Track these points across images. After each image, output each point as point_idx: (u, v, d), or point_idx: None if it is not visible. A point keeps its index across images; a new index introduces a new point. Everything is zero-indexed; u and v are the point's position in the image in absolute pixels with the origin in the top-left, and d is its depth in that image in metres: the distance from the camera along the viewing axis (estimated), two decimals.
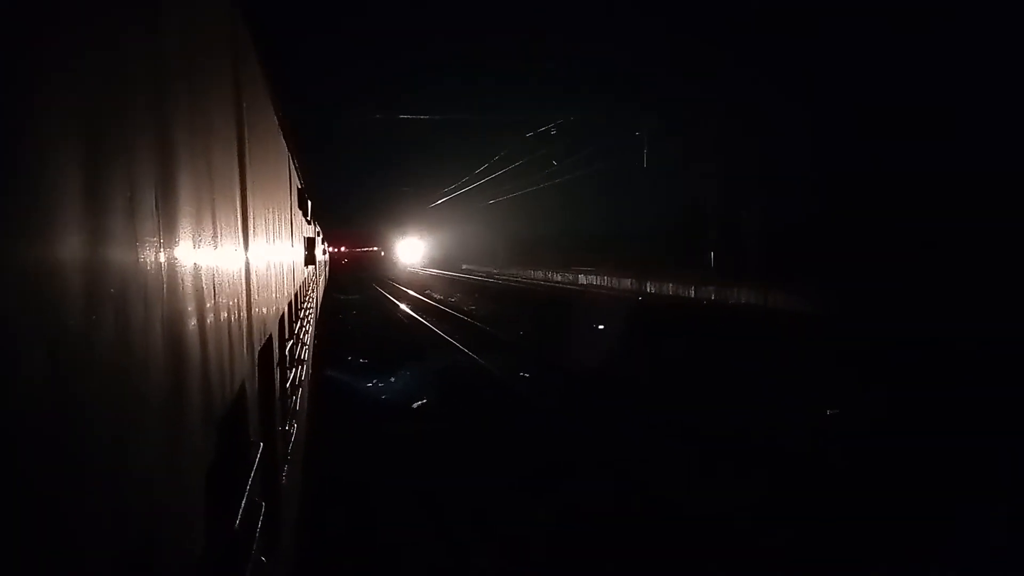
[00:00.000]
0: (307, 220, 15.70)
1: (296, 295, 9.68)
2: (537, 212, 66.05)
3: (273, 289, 5.63)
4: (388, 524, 9.22)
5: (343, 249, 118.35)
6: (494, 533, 8.85)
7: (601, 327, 27.24)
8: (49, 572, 1.01)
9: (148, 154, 1.71)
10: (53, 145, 1.12)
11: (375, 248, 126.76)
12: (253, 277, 3.99)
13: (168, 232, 1.83)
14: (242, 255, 3.54)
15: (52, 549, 1.03)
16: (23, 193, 1.00)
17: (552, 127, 39.07)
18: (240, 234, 3.50)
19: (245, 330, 3.52)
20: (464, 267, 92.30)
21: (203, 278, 2.35)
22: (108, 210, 1.36)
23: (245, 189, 3.82)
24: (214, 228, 2.66)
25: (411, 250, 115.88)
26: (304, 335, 11.02)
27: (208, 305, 2.41)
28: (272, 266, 5.70)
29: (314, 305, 18.66)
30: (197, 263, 2.24)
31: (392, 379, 18.86)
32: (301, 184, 13.63)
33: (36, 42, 1.06)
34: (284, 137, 8.72)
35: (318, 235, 27.45)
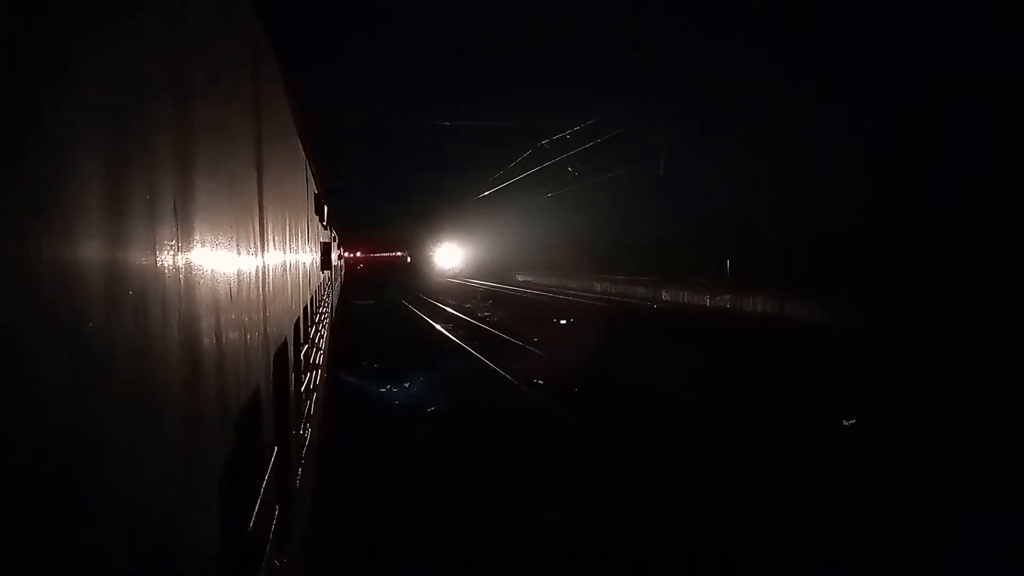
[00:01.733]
0: (323, 225, 15.79)
1: (311, 300, 9.73)
2: (607, 208, 51.24)
3: (288, 294, 5.67)
4: (401, 535, 9.21)
5: (358, 254, 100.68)
6: (511, 550, 8.81)
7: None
8: (65, 571, 1.03)
9: (166, 159, 1.74)
10: (75, 150, 1.14)
11: (399, 253, 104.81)
12: (269, 281, 4.02)
13: (185, 236, 1.85)
14: (258, 260, 3.57)
15: (68, 549, 1.04)
16: (44, 196, 1.02)
17: (568, 133, 38.45)
18: (256, 239, 3.53)
19: (260, 334, 3.54)
20: (520, 278, 68.81)
21: (220, 282, 2.37)
22: (127, 214, 1.38)
23: (262, 194, 3.86)
24: (231, 233, 2.69)
25: (449, 256, 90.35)
26: (319, 339, 11.07)
27: (224, 309, 2.44)
28: (288, 271, 5.74)
29: (329, 310, 18.73)
30: (214, 267, 2.27)
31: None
32: (317, 190, 13.72)
33: (59, 50, 1.08)
34: (301, 143, 8.78)
35: (334, 240, 27.56)
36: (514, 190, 55.43)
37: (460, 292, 59.68)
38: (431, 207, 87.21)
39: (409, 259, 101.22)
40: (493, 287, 61.95)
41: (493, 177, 55.56)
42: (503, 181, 53.18)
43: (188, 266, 1.87)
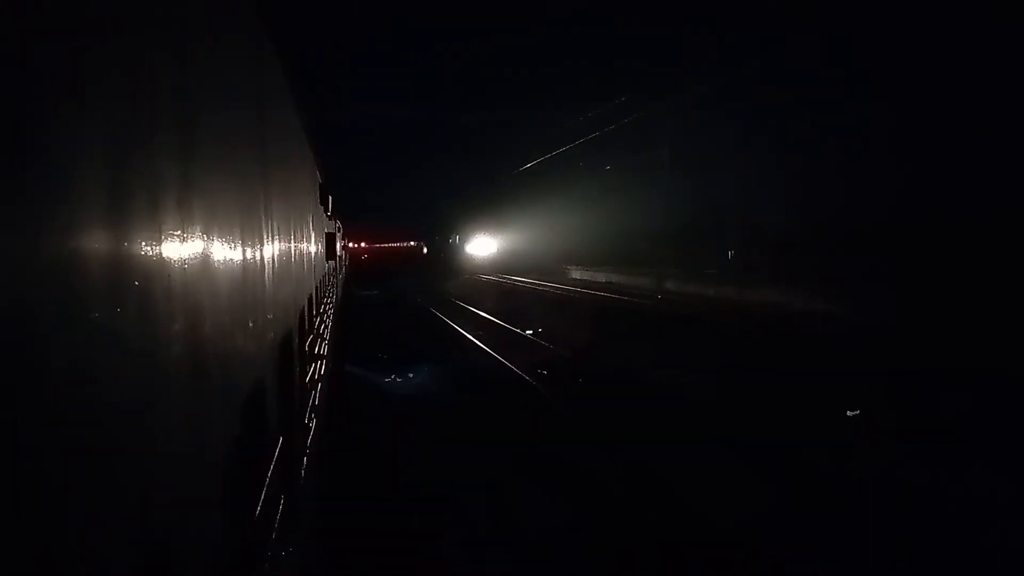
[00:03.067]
0: (328, 215, 15.79)
1: (316, 290, 9.74)
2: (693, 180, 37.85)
3: (293, 285, 5.67)
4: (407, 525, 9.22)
5: (363, 244, 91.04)
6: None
7: None
8: (72, 559, 1.03)
9: (169, 151, 1.73)
10: (84, 142, 1.14)
11: (412, 243, 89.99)
12: (273, 272, 4.02)
13: (187, 228, 1.85)
14: (262, 250, 3.57)
15: (74, 538, 1.04)
16: (58, 191, 1.02)
17: (584, 116, 37.03)
18: (260, 229, 3.52)
19: (265, 324, 3.55)
20: (575, 275, 48.45)
21: (223, 273, 2.37)
22: (131, 205, 1.38)
23: (265, 185, 3.85)
24: (235, 224, 2.68)
25: (479, 246, 68.53)
26: (324, 330, 11.09)
27: (229, 300, 2.44)
28: (292, 262, 5.74)
29: (334, 301, 18.76)
30: (217, 258, 2.27)
31: None
32: (322, 179, 13.71)
33: (74, 51, 1.08)
34: (306, 132, 8.77)
35: (339, 231, 27.56)
36: (559, 165, 44.09)
37: (520, 302, 36.43)
38: (453, 192, 71.82)
39: (425, 250, 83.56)
40: (556, 289, 39.81)
41: (524, 157, 45.22)
42: (539, 157, 42.95)
43: (191, 257, 1.86)
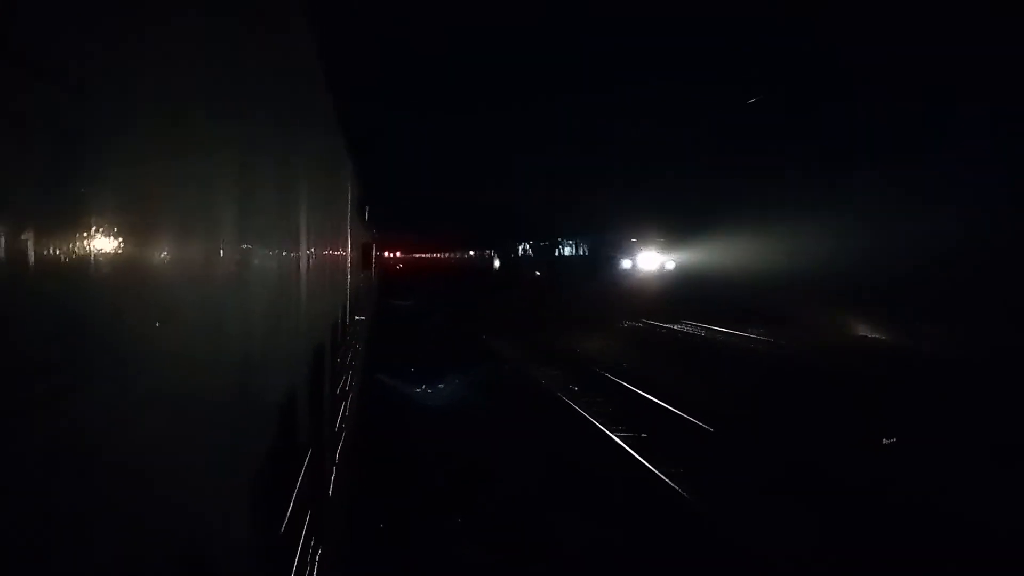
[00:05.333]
0: (363, 225, 15.92)
1: (348, 302, 9.81)
2: None
3: (326, 296, 5.70)
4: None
5: (398, 254, 75.53)
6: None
7: None
8: (101, 566, 1.04)
9: (212, 165, 1.74)
10: (139, 156, 1.15)
11: (471, 252, 66.70)
12: (307, 285, 4.04)
13: (224, 239, 1.86)
14: (297, 262, 3.58)
15: (105, 545, 1.05)
16: (104, 204, 1.03)
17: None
18: (296, 242, 3.54)
19: (297, 335, 3.56)
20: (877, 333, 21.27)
21: (257, 285, 2.38)
22: (171, 219, 1.39)
23: (302, 198, 3.88)
24: (270, 236, 2.70)
25: (644, 260, 34.73)
26: (355, 342, 11.15)
27: (262, 312, 2.45)
28: (325, 273, 5.77)
29: (366, 313, 18.88)
30: (252, 270, 2.27)
31: None
32: (358, 189, 13.84)
33: (121, 60, 1.09)
34: (344, 142, 8.85)
35: (374, 240, 27.74)
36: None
37: None
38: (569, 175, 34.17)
39: (498, 263, 58.17)
40: None
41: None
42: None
43: (229, 268, 1.87)
